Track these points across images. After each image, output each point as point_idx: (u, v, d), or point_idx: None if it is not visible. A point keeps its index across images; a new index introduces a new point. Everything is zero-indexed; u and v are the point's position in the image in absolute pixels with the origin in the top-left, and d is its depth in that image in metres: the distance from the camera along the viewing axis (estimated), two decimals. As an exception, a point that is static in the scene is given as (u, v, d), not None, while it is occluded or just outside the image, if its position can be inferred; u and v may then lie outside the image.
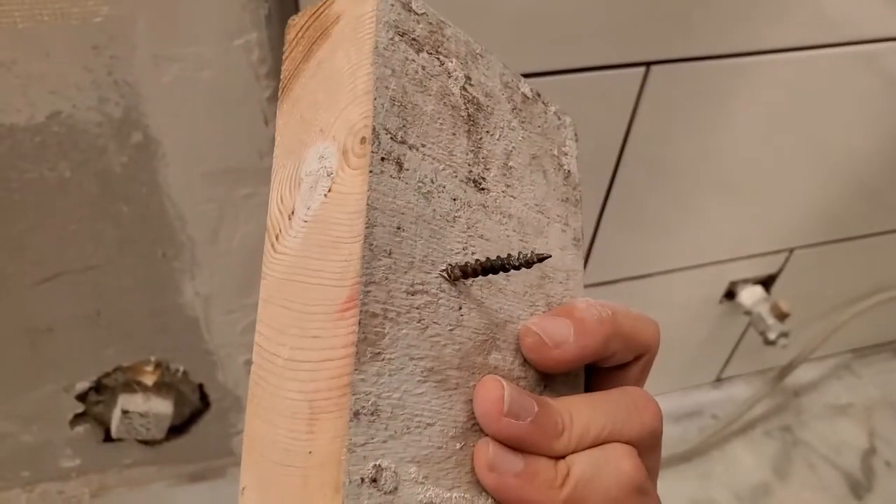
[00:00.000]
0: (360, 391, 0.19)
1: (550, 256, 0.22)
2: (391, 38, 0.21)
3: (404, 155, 0.21)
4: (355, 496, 0.18)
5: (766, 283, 0.83)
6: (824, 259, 0.83)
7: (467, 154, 0.23)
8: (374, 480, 0.19)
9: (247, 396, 0.71)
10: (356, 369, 0.19)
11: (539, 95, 0.28)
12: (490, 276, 0.22)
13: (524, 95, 0.27)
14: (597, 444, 0.22)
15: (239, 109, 0.51)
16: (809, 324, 0.89)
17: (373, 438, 0.19)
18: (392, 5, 0.21)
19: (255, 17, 0.47)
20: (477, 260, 0.22)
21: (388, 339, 0.20)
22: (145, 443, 0.71)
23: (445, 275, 0.22)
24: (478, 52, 0.25)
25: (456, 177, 0.23)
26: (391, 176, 0.20)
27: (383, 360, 0.20)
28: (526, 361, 0.24)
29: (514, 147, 0.26)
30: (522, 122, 0.26)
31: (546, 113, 0.28)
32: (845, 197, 0.77)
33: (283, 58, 0.23)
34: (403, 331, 0.20)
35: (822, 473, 0.87)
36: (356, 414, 0.19)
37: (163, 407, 0.66)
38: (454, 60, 0.24)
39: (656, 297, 0.79)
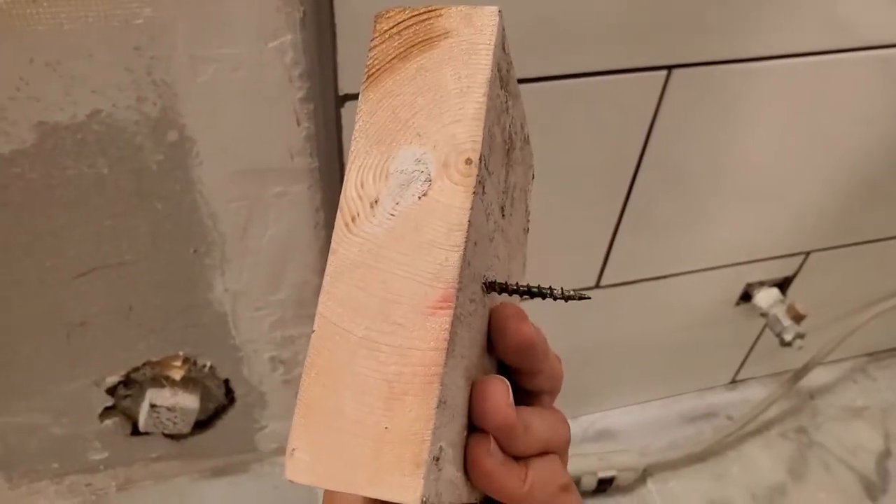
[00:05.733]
0: (444, 382, 0.21)
1: (590, 298, 0.26)
2: (494, 72, 0.23)
3: (486, 180, 0.24)
4: (430, 472, 0.20)
5: (783, 285, 0.84)
6: (840, 262, 0.84)
7: (502, 183, 0.27)
8: (437, 458, 0.21)
9: (271, 393, 0.71)
10: (445, 363, 0.21)
11: (528, 136, 0.32)
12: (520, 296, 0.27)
13: (526, 136, 0.31)
14: (541, 450, 0.27)
15: (272, 110, 0.52)
16: (825, 327, 0.89)
17: (442, 423, 0.21)
18: (498, 43, 0.24)
19: (290, 20, 0.48)
20: (518, 283, 0.26)
21: (457, 338, 0.22)
22: (171, 437, 0.72)
23: (484, 287, 0.25)
24: (518, 91, 0.28)
25: (499, 202, 0.26)
26: (479, 197, 0.23)
27: (454, 356, 0.22)
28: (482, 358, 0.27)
29: (516, 181, 0.29)
30: (522, 159, 0.30)
31: (530, 153, 0.32)
32: (861, 201, 0.78)
33: (371, 45, 0.24)
34: (463, 333, 0.23)
35: (837, 475, 0.88)
36: (441, 402, 0.21)
37: (189, 401, 0.67)
38: (510, 99, 0.27)
39: (673, 298, 0.80)
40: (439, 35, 0.23)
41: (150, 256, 0.58)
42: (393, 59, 0.24)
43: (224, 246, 0.59)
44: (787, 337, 0.80)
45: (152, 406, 0.66)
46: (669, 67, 0.57)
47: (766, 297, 0.82)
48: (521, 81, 0.54)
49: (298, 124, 0.53)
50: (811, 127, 0.68)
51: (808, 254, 0.81)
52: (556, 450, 0.28)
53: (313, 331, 0.22)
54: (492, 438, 0.25)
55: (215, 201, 0.56)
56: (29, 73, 0.45)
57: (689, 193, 0.69)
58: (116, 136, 0.50)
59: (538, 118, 0.57)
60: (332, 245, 0.23)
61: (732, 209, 0.73)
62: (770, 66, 0.61)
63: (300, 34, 0.49)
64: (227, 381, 0.70)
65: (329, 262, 0.22)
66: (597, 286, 0.74)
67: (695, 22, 0.55)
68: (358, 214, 0.23)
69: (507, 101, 0.26)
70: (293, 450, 0.21)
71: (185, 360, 0.66)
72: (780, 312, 0.81)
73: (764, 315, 0.82)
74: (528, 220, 0.35)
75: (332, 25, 0.48)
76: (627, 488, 0.85)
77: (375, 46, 0.24)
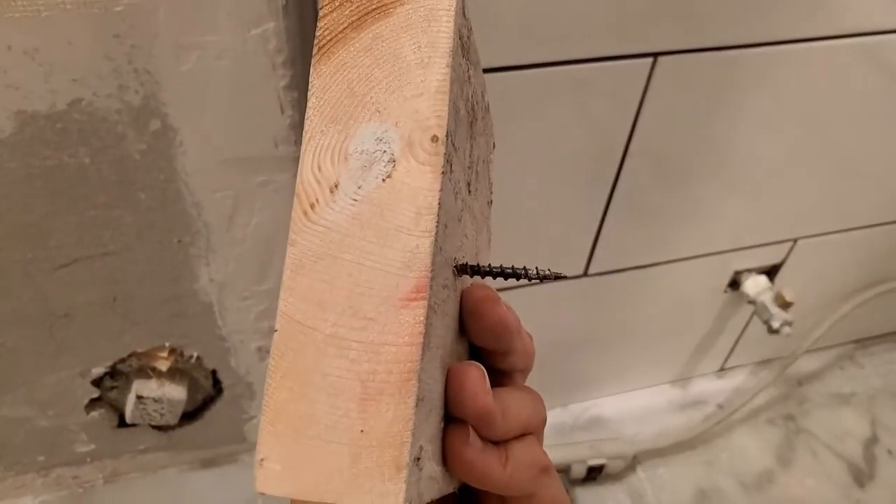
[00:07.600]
0: (422, 379, 0.20)
1: (567, 277, 0.25)
2: (456, 40, 0.22)
3: (453, 157, 0.22)
4: (412, 475, 0.19)
5: (771, 272, 0.84)
6: (828, 249, 0.84)
7: (467, 158, 0.25)
8: (417, 459, 0.20)
9: (259, 383, 0.71)
10: (422, 358, 0.20)
11: (488, 105, 0.30)
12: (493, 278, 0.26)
13: (486, 104, 0.29)
14: (520, 432, 0.26)
15: (255, 98, 0.51)
16: (813, 314, 0.90)
17: (421, 420, 0.20)
18: (458, 9, 0.22)
19: (273, 7, 0.47)
20: (490, 265, 0.25)
21: (432, 329, 0.21)
22: (159, 428, 0.72)
23: (456, 270, 0.24)
24: (478, 58, 0.27)
25: (465, 179, 0.25)
26: (448, 177, 0.21)
27: (430, 348, 0.21)
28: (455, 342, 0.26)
29: (479, 153, 0.28)
30: (484, 129, 0.29)
31: (490, 122, 0.31)
32: (849, 187, 0.78)
33: (321, 13, 0.22)
34: (437, 322, 0.22)
35: (824, 461, 0.89)
36: (420, 400, 0.20)
37: (176, 392, 0.67)
38: (472, 67, 0.25)
39: (661, 286, 0.80)
40: (395, 1, 0.22)
41: (134, 247, 0.57)
42: (345, 28, 0.22)
43: (209, 236, 0.59)
44: (775, 324, 0.80)
45: (139, 397, 0.66)
46: (655, 55, 0.57)
47: (754, 285, 0.82)
48: (506, 69, 0.54)
49: (282, 112, 0.53)
50: (798, 114, 0.68)
51: (796, 241, 0.82)
52: (535, 430, 0.27)
53: (275, 330, 0.21)
54: (470, 427, 0.24)
55: (200, 191, 0.56)
56: (7, 60, 0.45)
57: (677, 181, 0.69)
58: (98, 126, 0.50)
59: (524, 106, 0.57)
60: (291, 235, 0.21)
61: (720, 196, 0.73)
62: (757, 53, 0.61)
63: (283, 21, 0.48)
64: (214, 372, 0.70)
65: (288, 254, 0.21)
66: (585, 275, 0.74)
67: (681, 9, 0.55)
68: (317, 201, 0.21)
69: (468, 70, 0.24)
70: (262, 459, 0.20)
71: (172, 351, 0.66)
72: (767, 300, 0.81)
73: (752, 302, 0.83)
74: (492, 193, 0.33)
75: (315, 12, 0.47)
76: (617, 476, 0.85)
77: (326, 15, 0.22)
